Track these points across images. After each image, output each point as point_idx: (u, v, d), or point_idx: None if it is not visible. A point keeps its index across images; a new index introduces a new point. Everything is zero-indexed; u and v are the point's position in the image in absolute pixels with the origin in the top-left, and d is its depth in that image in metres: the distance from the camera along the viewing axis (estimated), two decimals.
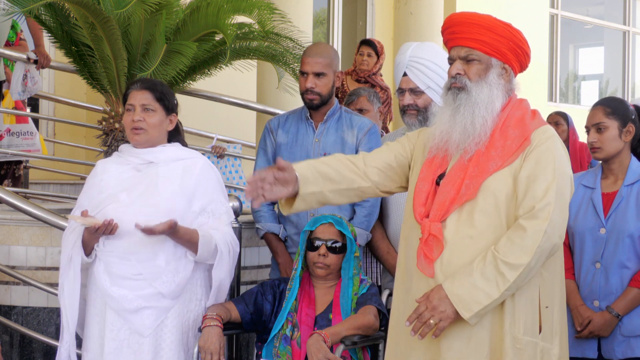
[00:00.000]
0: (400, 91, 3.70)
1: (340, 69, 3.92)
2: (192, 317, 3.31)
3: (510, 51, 2.79)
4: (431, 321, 2.60)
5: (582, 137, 5.37)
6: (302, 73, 3.85)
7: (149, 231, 3.09)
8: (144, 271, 3.19)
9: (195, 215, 3.27)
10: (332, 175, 2.80)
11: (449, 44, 2.84)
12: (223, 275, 3.31)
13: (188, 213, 3.25)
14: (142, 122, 3.31)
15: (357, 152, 3.84)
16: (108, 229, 3.14)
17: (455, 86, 2.78)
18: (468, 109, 2.74)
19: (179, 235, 3.17)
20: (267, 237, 3.89)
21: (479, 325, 2.64)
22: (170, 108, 3.39)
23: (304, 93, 3.86)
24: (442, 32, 2.87)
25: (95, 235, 3.18)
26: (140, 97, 3.33)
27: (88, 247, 3.25)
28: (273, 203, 3.97)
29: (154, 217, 3.13)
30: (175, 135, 3.47)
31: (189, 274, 3.26)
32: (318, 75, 3.81)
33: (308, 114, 3.91)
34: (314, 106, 3.86)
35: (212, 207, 3.33)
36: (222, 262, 3.28)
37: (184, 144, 3.48)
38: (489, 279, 2.58)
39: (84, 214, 3.18)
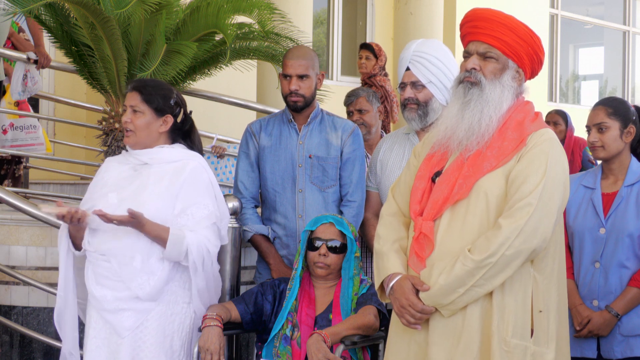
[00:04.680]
0: (402, 85, 3.70)
1: (319, 71, 3.92)
2: (177, 320, 3.27)
3: (528, 56, 2.77)
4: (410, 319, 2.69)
5: (582, 136, 5.36)
6: (285, 76, 3.84)
7: (104, 218, 3.09)
8: (122, 273, 3.19)
9: (175, 217, 3.25)
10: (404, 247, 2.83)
11: (467, 37, 2.80)
12: (199, 278, 3.27)
13: (171, 216, 3.24)
14: (129, 123, 3.31)
15: (342, 153, 3.86)
16: (75, 217, 3.14)
17: (468, 80, 2.75)
18: (478, 106, 2.71)
19: (145, 229, 3.16)
20: (256, 239, 3.88)
21: (469, 326, 2.64)
22: (161, 109, 3.33)
23: (287, 95, 3.85)
24: (462, 25, 2.83)
25: (72, 225, 3.19)
26: (130, 98, 3.33)
27: (76, 240, 3.27)
28: (256, 205, 3.97)
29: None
30: (187, 134, 3.43)
31: (166, 276, 3.22)
32: (301, 77, 3.81)
33: (291, 117, 3.91)
34: (298, 108, 3.86)
35: (193, 210, 3.27)
36: (194, 267, 3.24)
37: (190, 146, 3.43)
38: (455, 275, 2.59)
39: (58, 204, 3.19)
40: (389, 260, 2.77)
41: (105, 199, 3.25)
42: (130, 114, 3.31)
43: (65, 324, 3.32)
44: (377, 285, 2.81)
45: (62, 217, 3.16)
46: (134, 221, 3.12)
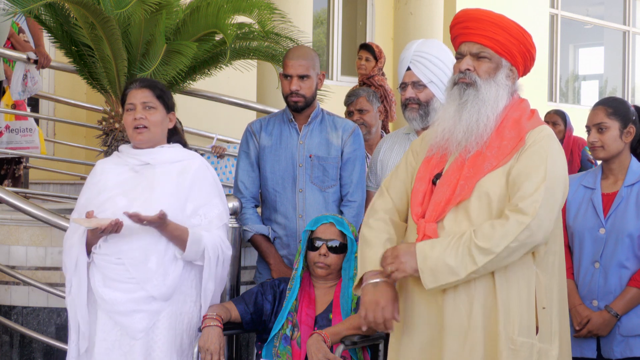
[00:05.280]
0: (403, 86, 3.69)
1: (319, 71, 3.92)
2: (186, 319, 3.29)
3: (520, 54, 2.77)
4: (388, 268, 2.65)
5: (583, 136, 5.37)
6: (286, 76, 3.85)
7: (136, 218, 3.08)
8: (136, 274, 3.19)
9: (187, 218, 3.26)
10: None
11: (459, 38, 2.80)
12: (211, 280, 3.30)
13: (181, 216, 3.24)
14: (144, 120, 3.30)
15: (342, 153, 3.86)
16: (115, 228, 3.13)
17: (463, 81, 2.74)
18: (475, 107, 2.71)
19: (168, 229, 3.17)
20: (256, 239, 3.88)
21: (474, 326, 2.64)
22: (169, 106, 3.39)
23: (288, 96, 3.85)
24: (453, 27, 2.83)
25: (101, 235, 3.17)
26: (141, 96, 3.32)
27: (88, 247, 3.25)
28: (256, 205, 3.97)
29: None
30: (174, 134, 3.46)
31: (179, 275, 3.25)
32: (302, 77, 3.81)
33: (291, 116, 3.91)
34: (299, 108, 3.86)
35: (204, 210, 3.30)
36: (209, 267, 3.27)
37: (184, 144, 3.47)
38: (460, 258, 2.58)
39: (89, 215, 3.16)
40: (376, 254, 2.75)
41: (112, 202, 3.23)
42: (143, 111, 3.31)
43: (76, 329, 3.27)
44: (358, 275, 2.78)
45: (102, 230, 3.12)
46: (161, 221, 3.12)
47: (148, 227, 3.17)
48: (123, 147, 3.44)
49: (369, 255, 2.76)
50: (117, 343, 3.20)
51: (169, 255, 3.23)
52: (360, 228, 3.84)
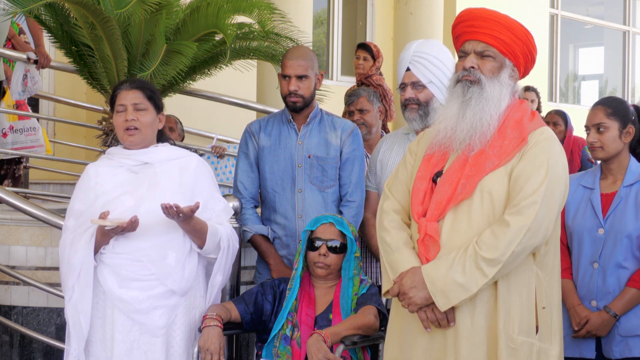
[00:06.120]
0: (402, 86, 3.70)
1: (318, 71, 3.92)
2: (197, 314, 3.32)
3: (523, 55, 2.78)
4: (401, 304, 2.69)
5: (583, 136, 5.37)
6: (284, 76, 3.85)
7: (173, 210, 3.05)
8: (156, 271, 3.18)
9: (199, 213, 3.24)
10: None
11: (463, 37, 2.80)
12: (220, 273, 3.32)
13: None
14: (136, 121, 3.29)
15: (341, 153, 3.87)
16: (133, 226, 3.11)
17: (467, 79, 2.74)
18: (479, 104, 2.71)
19: (192, 222, 3.17)
20: (256, 239, 3.89)
21: (477, 325, 2.64)
22: (160, 106, 3.38)
23: (286, 96, 3.86)
24: (456, 25, 2.82)
25: (121, 234, 3.14)
26: (132, 97, 3.31)
27: (96, 250, 3.20)
28: (256, 206, 3.97)
29: (163, 217, 3.13)
30: (162, 135, 3.44)
31: (195, 268, 3.27)
32: (300, 77, 3.82)
33: (290, 117, 3.91)
34: (297, 109, 3.86)
35: (212, 204, 3.33)
36: (221, 259, 3.29)
37: (173, 143, 3.47)
38: (468, 274, 2.58)
39: (104, 215, 3.12)
40: (408, 255, 2.74)
41: (118, 203, 3.21)
42: (134, 112, 3.29)
43: (81, 334, 3.21)
44: (388, 281, 2.78)
45: (122, 229, 3.09)
46: (192, 214, 3.13)
47: (162, 223, 3.17)
48: (113, 150, 3.42)
49: (397, 259, 2.76)
50: (136, 342, 3.19)
51: (185, 249, 3.24)
52: (361, 231, 3.88)
